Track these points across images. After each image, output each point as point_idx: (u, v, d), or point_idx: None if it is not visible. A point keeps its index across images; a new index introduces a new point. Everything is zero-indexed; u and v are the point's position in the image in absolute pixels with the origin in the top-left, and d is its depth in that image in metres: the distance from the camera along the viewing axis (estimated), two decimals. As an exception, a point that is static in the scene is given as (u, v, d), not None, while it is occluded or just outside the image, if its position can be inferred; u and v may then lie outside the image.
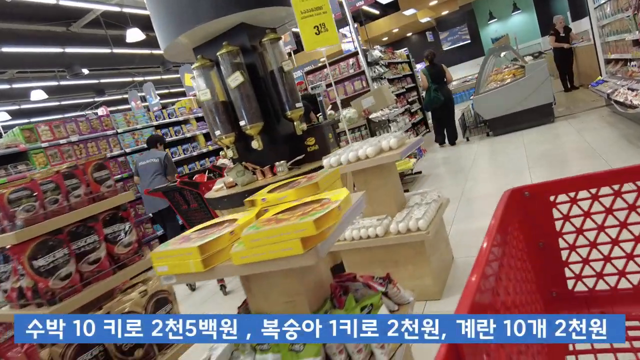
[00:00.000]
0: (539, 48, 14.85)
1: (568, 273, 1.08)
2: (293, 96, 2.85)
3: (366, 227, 2.32)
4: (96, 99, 14.50)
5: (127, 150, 5.28)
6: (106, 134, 5.09)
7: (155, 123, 5.82)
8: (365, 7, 14.93)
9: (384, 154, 2.22)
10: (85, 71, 10.37)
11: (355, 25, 14.49)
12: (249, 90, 2.73)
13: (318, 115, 5.30)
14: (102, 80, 12.83)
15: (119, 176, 5.13)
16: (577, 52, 8.34)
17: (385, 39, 18.21)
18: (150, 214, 5.02)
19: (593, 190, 1.01)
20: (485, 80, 7.72)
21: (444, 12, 16.16)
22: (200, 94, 2.78)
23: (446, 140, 7.30)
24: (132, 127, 5.43)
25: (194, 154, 6.40)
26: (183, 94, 12.63)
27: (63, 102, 13.85)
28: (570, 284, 1.08)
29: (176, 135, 6.18)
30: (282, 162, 2.76)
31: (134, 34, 8.31)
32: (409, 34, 19.00)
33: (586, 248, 1.04)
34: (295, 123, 2.90)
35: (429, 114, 8.18)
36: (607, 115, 5.49)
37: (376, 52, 6.42)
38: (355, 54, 6.25)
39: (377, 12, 16.10)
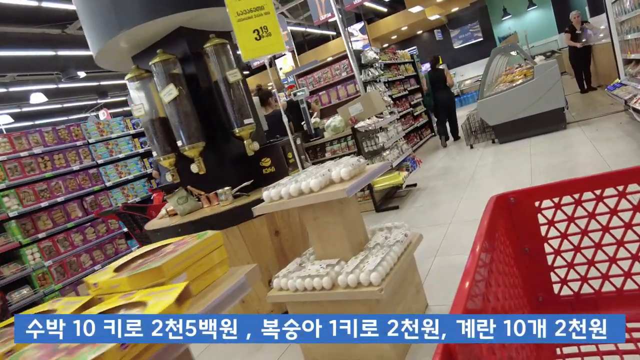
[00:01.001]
0: (556, 45, 14.09)
1: (554, 277, 1.08)
2: (242, 111, 2.44)
3: (312, 275, 1.90)
4: (99, 101, 14.38)
5: (100, 161, 4.97)
6: (76, 144, 4.77)
7: (132, 132, 5.49)
8: (372, 5, 14.42)
9: (330, 189, 1.79)
10: (82, 74, 10.17)
11: (362, 24, 14.06)
12: (187, 106, 2.33)
13: (302, 123, 4.87)
14: (102, 83, 12.66)
15: (90, 189, 4.82)
16: (595, 51, 7.69)
17: (394, 37, 17.62)
18: None
19: (576, 196, 1.01)
20: (493, 81, 7.16)
21: (454, 9, 15.49)
22: (134, 109, 2.40)
23: (450, 138, 7.51)
24: (106, 136, 5.12)
25: (177, 163, 6.06)
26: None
27: (65, 105, 13.76)
28: (556, 288, 1.08)
29: (157, 144, 5.85)
30: (225, 189, 2.36)
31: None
32: (419, 32, 18.34)
33: (571, 252, 1.04)
34: (245, 142, 2.49)
35: (433, 117, 8.28)
36: (626, 122, 4.91)
37: (370, 54, 5.94)
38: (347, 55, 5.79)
39: (384, 9, 15.55)
